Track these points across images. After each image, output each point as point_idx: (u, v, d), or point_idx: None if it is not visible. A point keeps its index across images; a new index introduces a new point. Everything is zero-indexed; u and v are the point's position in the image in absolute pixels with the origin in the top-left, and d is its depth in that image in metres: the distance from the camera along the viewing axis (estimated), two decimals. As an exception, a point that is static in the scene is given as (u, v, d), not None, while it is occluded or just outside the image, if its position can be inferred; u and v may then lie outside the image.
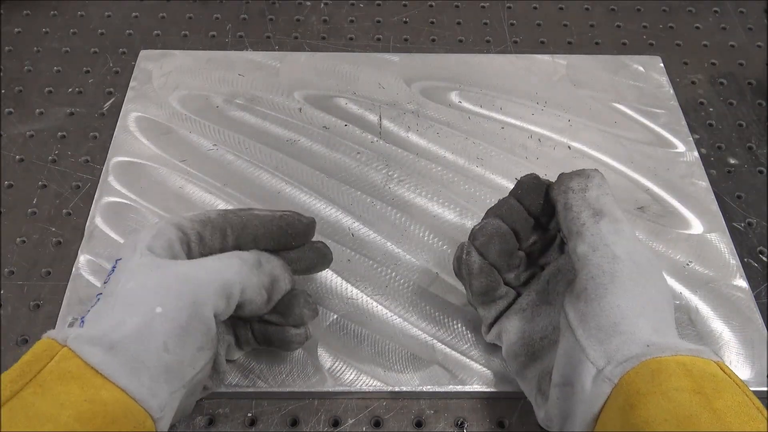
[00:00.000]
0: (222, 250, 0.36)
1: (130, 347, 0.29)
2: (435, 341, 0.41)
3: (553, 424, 0.33)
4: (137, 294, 0.30)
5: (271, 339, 0.37)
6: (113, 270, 0.32)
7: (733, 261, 0.45)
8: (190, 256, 0.35)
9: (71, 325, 0.34)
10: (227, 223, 0.35)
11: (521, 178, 0.37)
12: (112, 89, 0.55)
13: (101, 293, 0.32)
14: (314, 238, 0.39)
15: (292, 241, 0.37)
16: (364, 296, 0.43)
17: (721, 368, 0.29)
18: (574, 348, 0.31)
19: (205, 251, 0.35)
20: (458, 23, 0.62)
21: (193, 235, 0.35)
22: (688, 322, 0.42)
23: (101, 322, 0.30)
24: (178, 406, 0.32)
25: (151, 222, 0.36)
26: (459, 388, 0.39)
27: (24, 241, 0.46)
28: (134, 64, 0.56)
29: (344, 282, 0.43)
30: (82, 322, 0.31)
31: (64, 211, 0.48)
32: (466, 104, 0.53)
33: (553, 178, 0.49)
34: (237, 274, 0.33)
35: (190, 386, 0.32)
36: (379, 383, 0.39)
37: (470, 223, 0.46)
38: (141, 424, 0.28)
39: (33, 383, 0.26)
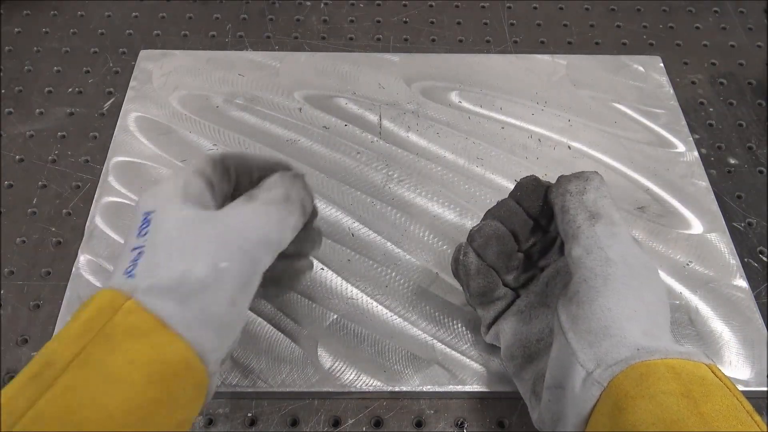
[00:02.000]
0: (229, 191, 0.34)
1: (200, 299, 0.27)
2: (435, 341, 0.41)
3: (546, 425, 0.33)
4: (196, 246, 0.28)
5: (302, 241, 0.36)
6: (147, 222, 0.29)
7: (733, 261, 0.45)
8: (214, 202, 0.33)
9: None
10: (229, 159, 0.34)
11: (521, 180, 0.37)
12: (112, 89, 0.55)
13: (139, 246, 0.29)
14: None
15: None
16: (364, 296, 0.43)
17: (712, 371, 0.28)
18: (565, 351, 0.31)
19: (218, 196, 0.34)
20: (458, 23, 0.62)
21: (214, 180, 0.33)
22: (688, 322, 0.42)
23: (161, 273, 0.27)
24: None
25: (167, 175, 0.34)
26: (459, 388, 0.39)
27: (24, 241, 0.46)
28: (134, 64, 0.56)
29: (344, 282, 0.43)
30: (131, 275, 0.28)
31: (64, 211, 0.48)
32: (466, 104, 0.53)
33: (553, 179, 0.49)
34: (280, 229, 0.32)
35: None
36: (379, 383, 0.39)
37: (470, 223, 0.46)
38: (199, 382, 0.28)
39: (100, 337, 0.25)
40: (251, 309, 0.41)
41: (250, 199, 0.32)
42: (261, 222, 0.31)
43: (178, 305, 0.27)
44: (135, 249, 0.29)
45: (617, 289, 0.30)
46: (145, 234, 0.29)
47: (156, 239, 0.29)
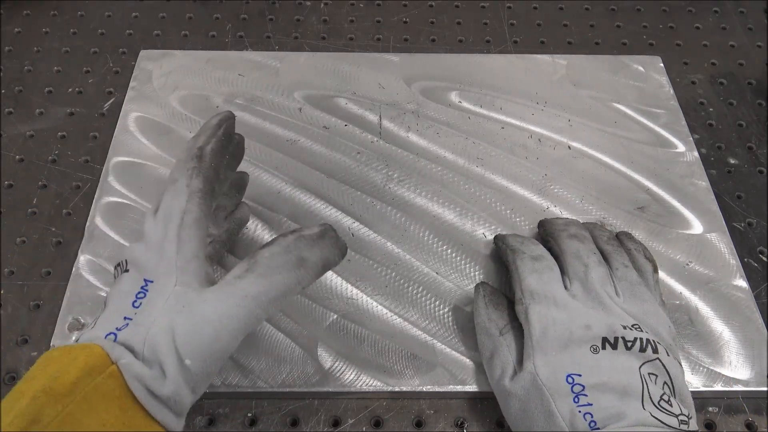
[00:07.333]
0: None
1: (167, 386, 0.30)
2: (435, 341, 0.41)
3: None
4: (171, 337, 0.30)
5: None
6: (144, 293, 0.32)
7: (733, 261, 0.45)
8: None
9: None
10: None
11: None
12: (112, 89, 0.55)
13: (130, 318, 0.31)
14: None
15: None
16: (364, 296, 0.43)
17: None
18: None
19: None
20: (458, 23, 0.62)
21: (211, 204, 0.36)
22: (687, 322, 0.42)
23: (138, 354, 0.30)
24: None
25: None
26: (459, 388, 0.39)
27: (24, 241, 0.46)
28: (134, 64, 0.56)
29: (344, 282, 0.43)
30: (117, 338, 0.30)
31: (64, 211, 0.48)
32: (466, 104, 0.53)
33: (553, 178, 0.49)
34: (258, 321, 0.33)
35: None
36: (379, 383, 0.39)
37: (470, 223, 0.46)
38: None
39: (82, 397, 0.28)
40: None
41: (253, 276, 0.32)
42: (240, 317, 0.32)
43: (147, 396, 0.30)
44: (126, 318, 0.31)
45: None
46: (139, 306, 0.32)
47: (144, 317, 0.31)
